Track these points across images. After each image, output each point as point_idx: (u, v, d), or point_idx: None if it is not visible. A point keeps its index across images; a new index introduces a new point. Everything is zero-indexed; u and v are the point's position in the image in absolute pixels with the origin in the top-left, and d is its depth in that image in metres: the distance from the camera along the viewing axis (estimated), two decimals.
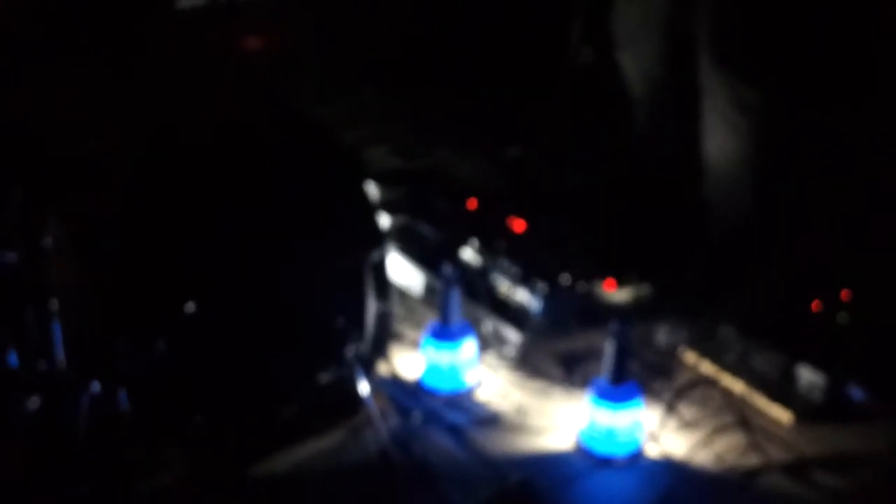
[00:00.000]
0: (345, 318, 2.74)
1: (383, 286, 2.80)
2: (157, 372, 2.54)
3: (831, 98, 4.24)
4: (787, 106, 3.55)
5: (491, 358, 3.12)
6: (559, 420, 2.88)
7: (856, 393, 2.84)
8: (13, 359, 2.73)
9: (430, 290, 3.31)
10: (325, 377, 2.76)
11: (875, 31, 4.24)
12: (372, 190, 3.60)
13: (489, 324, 3.16)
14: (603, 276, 3.24)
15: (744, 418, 2.84)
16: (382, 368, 2.98)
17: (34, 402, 2.65)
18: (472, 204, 3.63)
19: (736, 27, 3.39)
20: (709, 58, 3.44)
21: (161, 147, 2.70)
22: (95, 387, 2.53)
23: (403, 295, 3.37)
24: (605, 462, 2.73)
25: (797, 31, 3.51)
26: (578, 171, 4.08)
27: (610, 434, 2.73)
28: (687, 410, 2.90)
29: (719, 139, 3.52)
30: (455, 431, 2.83)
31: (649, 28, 3.63)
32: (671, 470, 2.72)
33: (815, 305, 3.10)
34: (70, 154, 2.66)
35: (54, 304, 2.58)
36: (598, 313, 3.16)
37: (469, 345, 3.01)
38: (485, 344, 3.13)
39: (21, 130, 2.76)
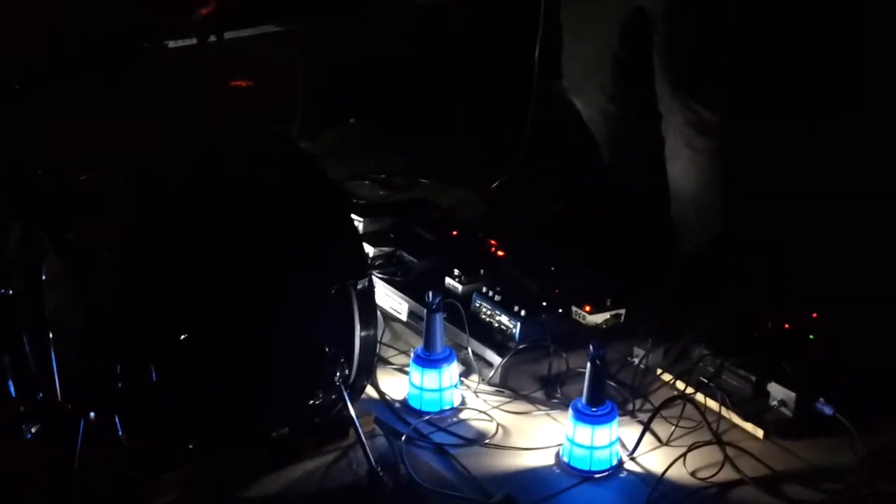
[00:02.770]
0: (333, 344, 2.78)
1: (369, 313, 2.84)
2: (152, 399, 2.57)
3: (791, 115, 4.33)
4: (747, 124, 3.62)
5: (473, 381, 3.19)
6: (540, 439, 2.96)
7: (825, 409, 2.92)
8: (11, 389, 2.77)
9: (414, 316, 3.38)
10: (314, 401, 2.80)
11: (832, 48, 4.33)
12: (357, 221, 3.68)
13: (471, 348, 3.23)
14: (581, 301, 3.33)
15: (718, 435, 2.91)
16: (369, 392, 3.04)
17: (32, 431, 2.69)
18: (454, 233, 3.72)
19: (691, 50, 3.45)
20: (666, 83, 3.49)
21: (153, 180, 2.76)
22: (92, 415, 2.56)
23: (389, 321, 3.44)
24: (585, 478, 2.80)
25: (752, 50, 3.59)
26: (555, 198, 4.16)
27: (589, 452, 2.81)
28: (663, 428, 2.97)
29: (682, 162, 3.58)
30: (440, 451, 2.90)
31: (602, 65, 3.68)
32: (649, 485, 2.78)
33: (785, 325, 3.19)
34: (66, 187, 2.71)
35: (50, 334, 2.62)
36: (577, 336, 3.25)
37: (452, 368, 3.08)
38: (467, 367, 3.21)
39: (17, 164, 2.80)
